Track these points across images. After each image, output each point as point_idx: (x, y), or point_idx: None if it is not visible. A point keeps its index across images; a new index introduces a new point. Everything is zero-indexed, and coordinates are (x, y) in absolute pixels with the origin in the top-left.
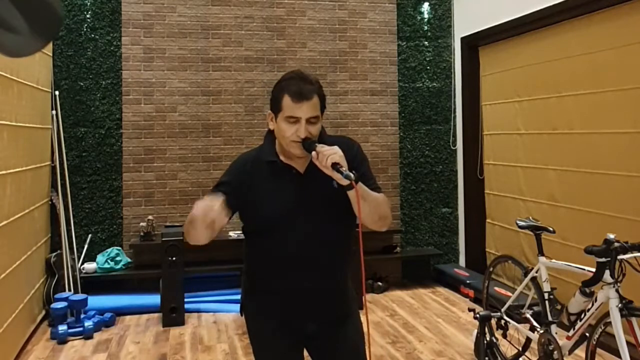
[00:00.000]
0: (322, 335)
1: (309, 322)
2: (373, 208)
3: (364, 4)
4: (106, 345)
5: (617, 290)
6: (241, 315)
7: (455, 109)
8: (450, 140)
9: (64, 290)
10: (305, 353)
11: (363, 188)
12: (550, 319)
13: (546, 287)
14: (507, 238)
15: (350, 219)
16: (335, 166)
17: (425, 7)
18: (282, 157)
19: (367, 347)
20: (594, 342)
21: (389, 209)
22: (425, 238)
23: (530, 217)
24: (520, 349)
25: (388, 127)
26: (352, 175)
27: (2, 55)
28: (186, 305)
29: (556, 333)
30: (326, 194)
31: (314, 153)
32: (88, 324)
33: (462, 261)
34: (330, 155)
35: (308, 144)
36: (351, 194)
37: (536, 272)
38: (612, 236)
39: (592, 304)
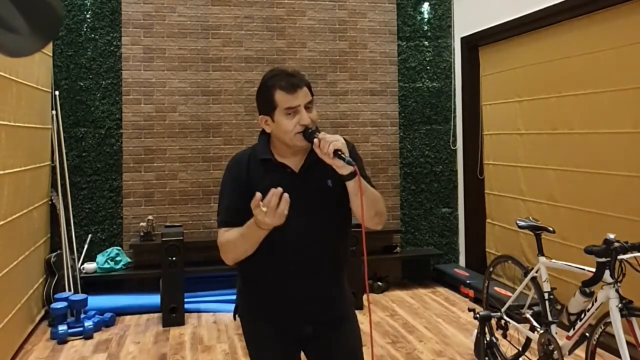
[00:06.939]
0: (318, 337)
1: (304, 324)
2: (370, 202)
3: (364, 4)
4: (106, 345)
5: (617, 290)
6: (235, 319)
7: (455, 109)
8: (450, 140)
9: (64, 290)
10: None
11: (361, 181)
12: (550, 319)
13: (546, 287)
14: (507, 238)
15: (346, 220)
16: (337, 153)
17: (425, 7)
18: (276, 156)
19: (370, 349)
20: (594, 342)
21: (384, 207)
22: (425, 238)
23: (530, 217)
24: (520, 349)
25: (388, 127)
26: (353, 162)
27: (1, 55)
28: (186, 305)
29: (556, 333)
30: (321, 194)
31: (315, 140)
32: (88, 324)
33: (462, 261)
34: (332, 141)
35: (309, 134)
36: (350, 185)
37: (536, 272)
38: (612, 236)
39: (592, 304)
